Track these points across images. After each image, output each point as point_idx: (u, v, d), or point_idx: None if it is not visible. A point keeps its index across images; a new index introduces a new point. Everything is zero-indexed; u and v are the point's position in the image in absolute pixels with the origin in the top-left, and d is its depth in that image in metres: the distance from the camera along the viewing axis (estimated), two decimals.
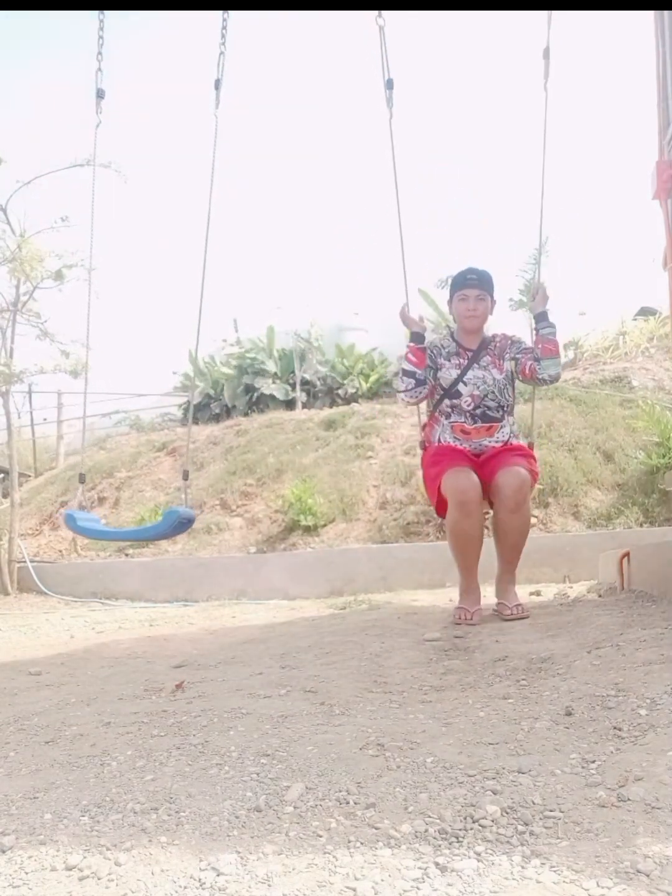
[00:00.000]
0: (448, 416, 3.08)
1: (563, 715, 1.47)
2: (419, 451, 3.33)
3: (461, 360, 3.08)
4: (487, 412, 3.05)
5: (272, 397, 10.50)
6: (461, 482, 2.84)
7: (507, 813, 1.03)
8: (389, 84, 3.30)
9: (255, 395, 10.68)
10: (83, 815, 1.14)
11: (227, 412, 10.59)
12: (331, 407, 9.34)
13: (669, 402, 6.92)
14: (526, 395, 6.57)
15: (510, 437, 3.08)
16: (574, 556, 5.05)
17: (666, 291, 3.62)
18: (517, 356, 3.10)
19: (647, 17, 3.82)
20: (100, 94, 3.40)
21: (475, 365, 3.07)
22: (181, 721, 1.63)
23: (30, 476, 9.71)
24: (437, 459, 3.01)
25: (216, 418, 10.17)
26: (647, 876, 0.84)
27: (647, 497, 5.76)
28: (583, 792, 1.09)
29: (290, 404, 10.24)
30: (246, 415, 9.78)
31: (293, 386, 10.63)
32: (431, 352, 3.11)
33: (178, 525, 3.34)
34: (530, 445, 3.18)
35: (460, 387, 3.05)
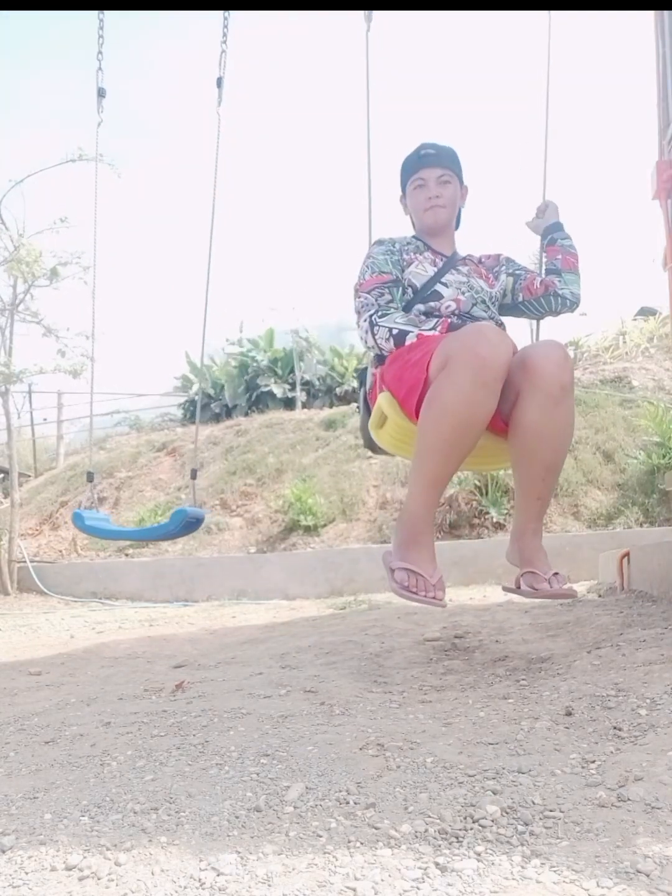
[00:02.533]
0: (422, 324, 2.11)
1: (563, 715, 1.47)
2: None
3: (436, 259, 2.23)
4: (478, 317, 2.17)
5: (272, 397, 10.51)
6: (490, 336, 1.74)
7: (507, 813, 1.03)
8: (369, 18, 2.55)
9: (256, 394, 10.69)
10: (83, 815, 1.14)
11: (228, 412, 10.60)
12: (330, 407, 9.35)
13: (670, 401, 6.92)
14: None
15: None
16: (574, 556, 5.05)
17: (666, 291, 3.62)
18: (517, 272, 2.30)
19: (647, 17, 3.82)
20: (101, 93, 3.41)
21: (453, 269, 2.21)
22: (181, 721, 1.63)
23: (30, 476, 9.71)
24: (421, 342, 1.98)
25: (216, 418, 10.18)
26: (647, 876, 0.84)
27: (647, 497, 5.76)
28: (583, 792, 1.09)
29: (289, 404, 10.25)
30: (246, 415, 9.79)
31: (293, 386, 10.64)
32: (395, 247, 2.23)
33: (187, 525, 3.27)
34: None
35: (440, 287, 2.16)
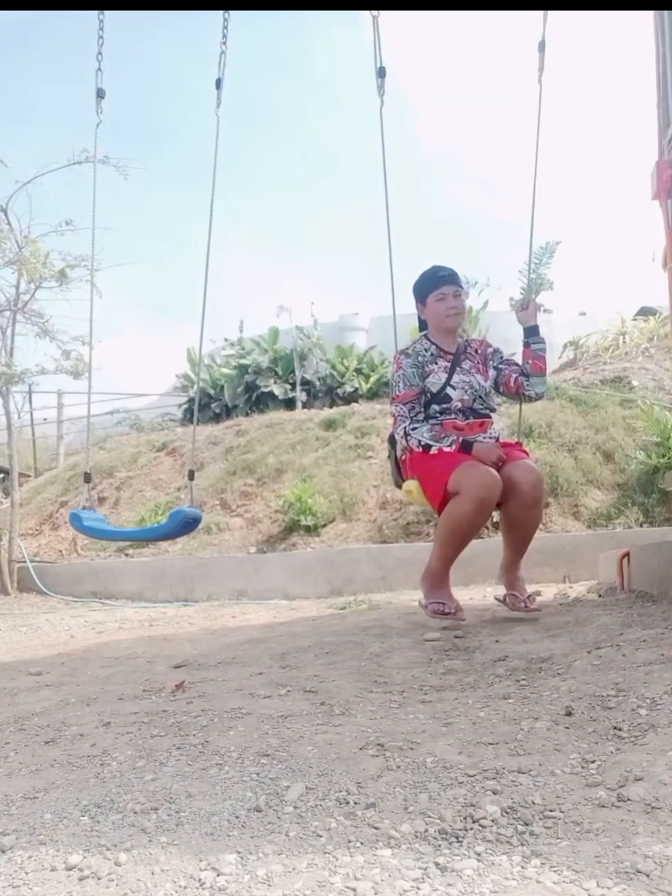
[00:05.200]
0: (436, 418, 2.88)
1: (563, 715, 1.47)
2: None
3: (445, 363, 2.91)
4: (477, 411, 2.90)
5: (272, 397, 10.50)
6: (485, 478, 2.60)
7: (507, 813, 1.03)
8: (381, 72, 3.29)
9: (256, 394, 10.68)
10: (83, 815, 1.14)
11: (228, 412, 10.58)
12: (331, 407, 9.33)
13: (669, 401, 6.92)
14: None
15: (499, 434, 2.99)
16: (574, 556, 5.05)
17: (666, 291, 3.62)
18: (500, 367, 2.96)
19: (647, 17, 3.82)
20: (100, 94, 3.42)
21: (458, 368, 2.91)
22: (181, 721, 1.63)
23: (30, 476, 9.71)
24: (441, 456, 2.76)
25: (216, 418, 10.16)
26: (647, 876, 0.84)
27: (647, 497, 5.76)
28: (583, 792, 1.09)
29: (289, 404, 10.23)
30: (246, 415, 9.78)
31: (293, 386, 10.63)
32: (419, 360, 2.90)
33: (184, 525, 3.27)
34: (518, 444, 3.03)
35: (449, 390, 2.86)
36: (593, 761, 1.21)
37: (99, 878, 0.94)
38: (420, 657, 2.26)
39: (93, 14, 3.34)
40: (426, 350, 2.93)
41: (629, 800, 1.04)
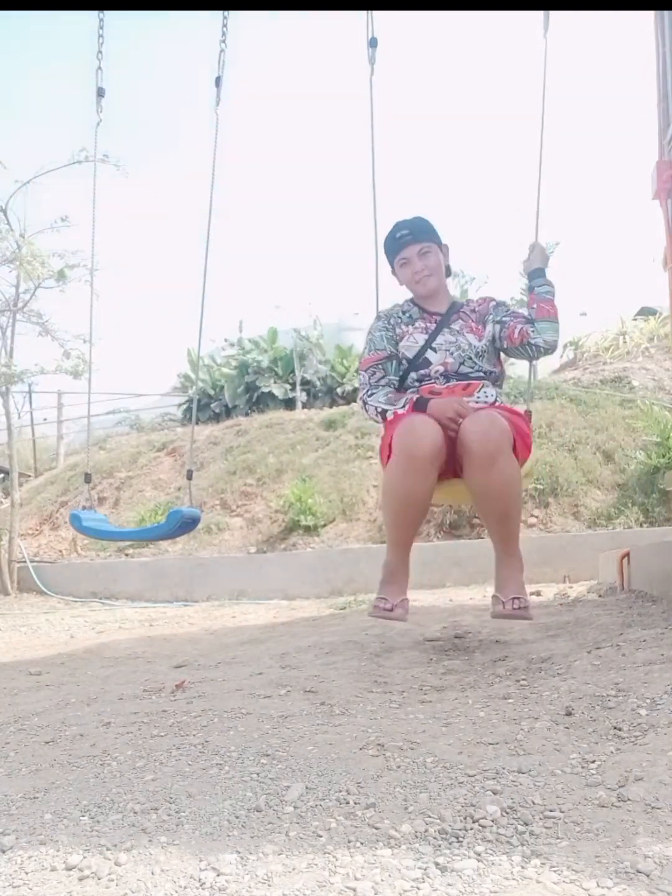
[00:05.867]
0: (414, 387, 2.50)
1: (563, 715, 1.47)
2: None
3: (428, 325, 2.54)
4: (465, 374, 2.47)
5: (272, 397, 10.50)
6: (416, 428, 2.15)
7: (507, 813, 1.03)
8: (373, 43, 3.13)
9: (256, 394, 10.68)
10: (83, 815, 1.14)
11: (228, 412, 10.59)
12: (331, 407, 9.34)
13: (669, 401, 6.92)
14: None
15: (497, 398, 2.47)
16: (574, 556, 5.05)
17: (666, 291, 3.62)
18: (504, 319, 2.54)
19: (647, 17, 3.82)
20: (100, 93, 3.41)
21: (445, 329, 2.52)
22: (181, 721, 1.63)
23: (30, 476, 9.71)
24: (395, 420, 2.35)
25: (216, 418, 10.17)
26: (647, 876, 0.84)
27: (647, 497, 5.76)
28: (583, 792, 1.09)
29: (290, 404, 10.24)
30: (246, 415, 9.78)
31: (293, 386, 10.64)
32: (391, 322, 2.57)
33: (182, 525, 3.26)
34: (527, 412, 2.55)
35: (429, 354, 2.48)
36: (593, 761, 1.21)
37: (99, 878, 0.94)
38: (420, 657, 2.26)
39: (93, 14, 3.34)
40: (404, 312, 2.60)
41: (629, 800, 1.04)
